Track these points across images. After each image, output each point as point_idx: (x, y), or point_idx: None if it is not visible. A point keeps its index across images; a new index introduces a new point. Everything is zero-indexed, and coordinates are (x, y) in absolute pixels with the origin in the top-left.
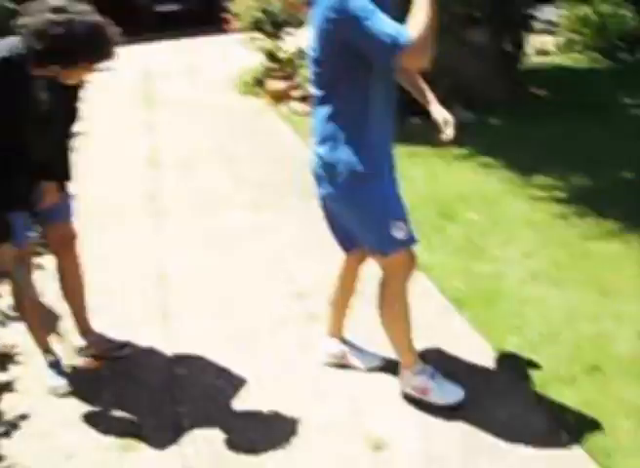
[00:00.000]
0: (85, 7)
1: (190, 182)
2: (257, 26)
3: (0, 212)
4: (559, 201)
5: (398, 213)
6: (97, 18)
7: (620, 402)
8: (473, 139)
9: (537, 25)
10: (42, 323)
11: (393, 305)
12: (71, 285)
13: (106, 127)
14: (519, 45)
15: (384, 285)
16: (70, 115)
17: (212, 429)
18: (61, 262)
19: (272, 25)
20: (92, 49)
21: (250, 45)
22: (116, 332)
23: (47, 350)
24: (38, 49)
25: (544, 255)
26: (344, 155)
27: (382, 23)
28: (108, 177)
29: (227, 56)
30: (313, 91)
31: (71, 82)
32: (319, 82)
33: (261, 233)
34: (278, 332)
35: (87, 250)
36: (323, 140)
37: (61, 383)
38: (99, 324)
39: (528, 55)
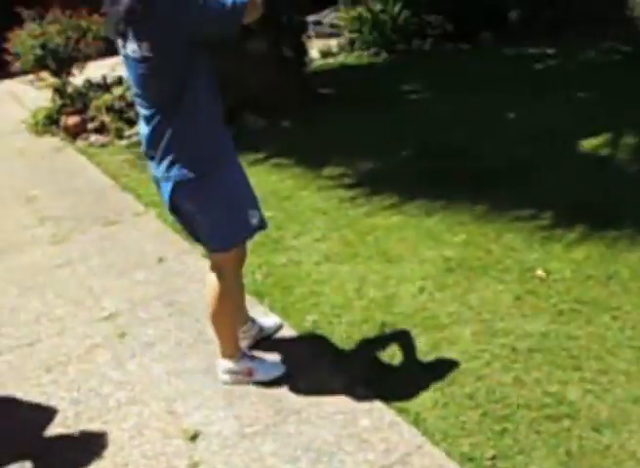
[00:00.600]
0: None
1: None
2: (40, 65)
3: None
4: (347, 187)
5: (251, 199)
6: None
7: (411, 349)
8: (267, 144)
9: (322, 29)
10: None
11: (227, 298)
12: None
13: None
14: (300, 50)
15: (220, 278)
16: None
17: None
18: None
19: (56, 62)
20: None
21: (37, 84)
22: None
23: None
24: None
25: (335, 238)
26: (191, 150)
27: (218, 4)
28: None
29: (16, 97)
30: (142, 110)
31: None
32: (150, 98)
33: (65, 265)
34: (90, 354)
35: None
36: (167, 146)
37: None
38: None
39: (313, 58)
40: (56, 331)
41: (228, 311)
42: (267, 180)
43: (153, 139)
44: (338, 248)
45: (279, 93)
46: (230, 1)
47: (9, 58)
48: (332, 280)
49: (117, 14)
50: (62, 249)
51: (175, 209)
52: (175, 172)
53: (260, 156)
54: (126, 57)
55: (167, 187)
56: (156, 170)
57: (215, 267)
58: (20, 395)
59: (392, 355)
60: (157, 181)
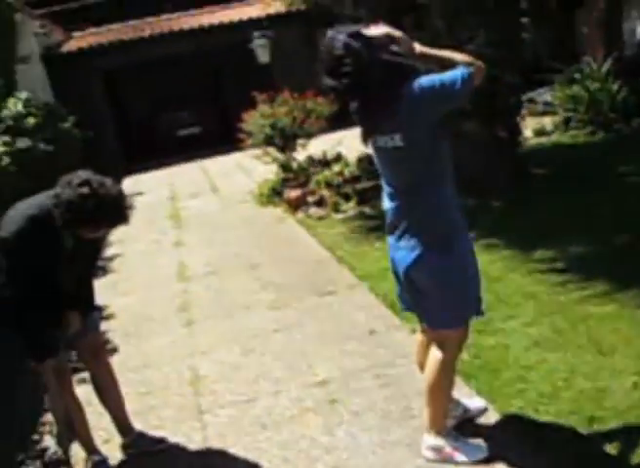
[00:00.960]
0: (108, 180)
1: (217, 290)
2: (268, 141)
3: (40, 335)
4: (558, 271)
5: (478, 279)
6: (117, 189)
7: (625, 447)
8: (477, 224)
9: (536, 108)
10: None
11: (446, 373)
12: (106, 390)
13: (138, 247)
14: (514, 130)
15: (443, 352)
16: (92, 256)
17: None
18: (94, 371)
19: (282, 139)
20: (113, 217)
21: (264, 159)
22: (156, 430)
23: (91, 451)
24: (67, 218)
25: (545, 323)
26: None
27: (448, 75)
28: (143, 293)
29: (246, 170)
30: (389, 188)
31: (92, 237)
32: (396, 178)
33: (283, 330)
34: (303, 417)
35: (127, 357)
36: (408, 222)
37: None
38: (141, 424)
39: (526, 137)
40: (272, 392)
41: (445, 385)
42: (478, 261)
43: (396, 215)
44: (547, 334)
45: (492, 172)
46: (458, 74)
47: (242, 135)
48: (540, 367)
49: (372, 115)
50: (281, 314)
51: (408, 281)
52: (414, 246)
53: (471, 235)
54: (377, 149)
55: (405, 260)
56: (396, 243)
57: (438, 342)
58: (237, 448)
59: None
60: (394, 253)
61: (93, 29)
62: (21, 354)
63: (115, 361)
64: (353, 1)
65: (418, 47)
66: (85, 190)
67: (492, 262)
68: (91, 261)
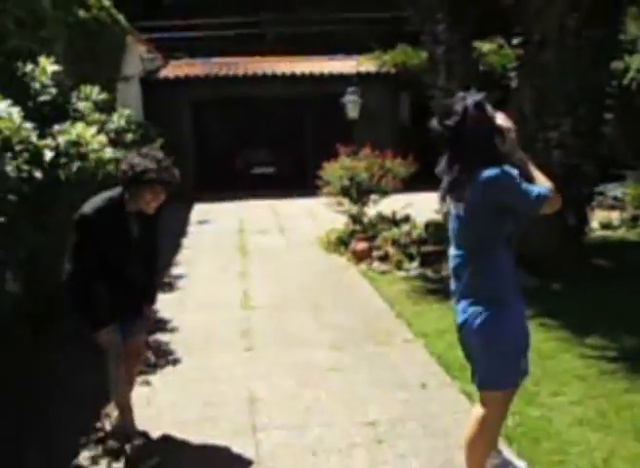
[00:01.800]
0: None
1: (279, 322)
2: (344, 192)
3: (97, 305)
4: (609, 359)
5: (526, 345)
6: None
7: None
8: (536, 303)
9: (605, 201)
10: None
11: (487, 430)
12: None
13: (205, 270)
14: (583, 219)
15: (487, 411)
16: (152, 240)
17: None
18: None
19: (357, 193)
20: (166, 175)
21: (336, 208)
22: (211, 440)
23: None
24: (133, 175)
25: (591, 405)
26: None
27: (531, 186)
28: (207, 314)
29: (314, 216)
30: (452, 250)
31: (150, 210)
32: (458, 242)
33: (339, 369)
34: (351, 451)
35: (188, 369)
36: (467, 283)
37: None
38: (197, 433)
39: (593, 228)
40: (324, 423)
41: (485, 441)
42: (532, 337)
43: (456, 276)
44: (591, 415)
45: (556, 256)
46: (538, 191)
47: (320, 182)
48: (580, 444)
49: (446, 182)
50: (338, 355)
51: (462, 339)
52: (471, 306)
53: (528, 313)
54: (448, 211)
55: (461, 318)
56: (456, 301)
57: (483, 401)
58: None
59: None
60: (455, 310)
61: (189, 60)
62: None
63: (177, 370)
64: (447, 74)
65: (520, 153)
66: (144, 152)
67: (546, 340)
68: (149, 246)
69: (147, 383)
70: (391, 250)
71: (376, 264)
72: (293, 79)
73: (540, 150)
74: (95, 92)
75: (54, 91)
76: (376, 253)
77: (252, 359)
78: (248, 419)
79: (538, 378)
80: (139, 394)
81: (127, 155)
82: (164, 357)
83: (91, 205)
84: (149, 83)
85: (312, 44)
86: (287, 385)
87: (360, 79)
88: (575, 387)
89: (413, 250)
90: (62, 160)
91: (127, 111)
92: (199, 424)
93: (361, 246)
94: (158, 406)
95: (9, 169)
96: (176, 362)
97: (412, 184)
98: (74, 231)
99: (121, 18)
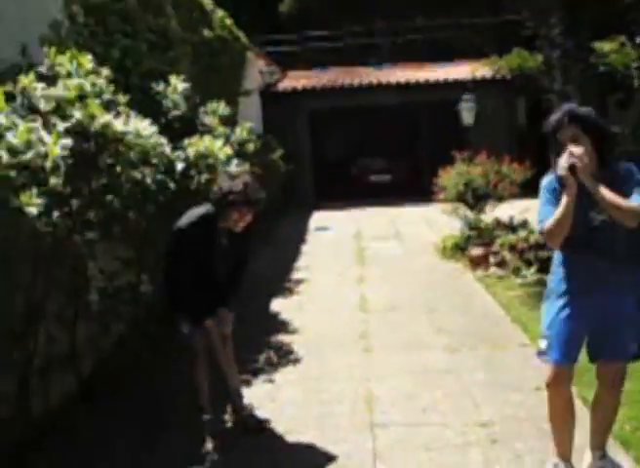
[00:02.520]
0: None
1: (395, 325)
2: (460, 198)
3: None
4: None
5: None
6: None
7: None
8: None
9: None
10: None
11: (620, 394)
12: (228, 364)
13: (324, 275)
14: None
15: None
16: (240, 254)
17: None
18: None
19: (473, 198)
20: (253, 200)
21: (452, 214)
22: (331, 433)
23: (204, 410)
24: (218, 196)
25: None
26: None
27: (540, 210)
28: (326, 317)
29: (430, 222)
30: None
31: (238, 229)
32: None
33: (454, 371)
34: (467, 451)
35: (308, 368)
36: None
37: (210, 448)
38: (317, 427)
39: None
40: (439, 422)
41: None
42: None
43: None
44: None
45: None
46: (540, 217)
47: (436, 189)
48: None
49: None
50: (453, 358)
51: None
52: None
53: None
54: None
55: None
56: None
57: (619, 376)
58: (402, 462)
59: None
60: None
61: (306, 72)
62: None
63: (297, 370)
64: (563, 78)
65: (602, 190)
66: (239, 181)
67: None
68: (237, 259)
69: (271, 381)
70: (508, 255)
71: (492, 270)
72: (407, 87)
73: None
74: (220, 107)
75: (183, 107)
76: (492, 259)
77: (369, 360)
78: (366, 417)
79: None
80: (262, 391)
81: (219, 178)
82: (285, 356)
83: (186, 219)
84: (268, 95)
85: (426, 51)
86: (404, 385)
87: (476, 85)
88: None
89: (530, 255)
90: (192, 171)
91: (248, 124)
92: (319, 420)
93: (477, 251)
94: (281, 402)
95: (148, 181)
96: (297, 361)
97: (529, 189)
98: (171, 241)
99: (241, 35)
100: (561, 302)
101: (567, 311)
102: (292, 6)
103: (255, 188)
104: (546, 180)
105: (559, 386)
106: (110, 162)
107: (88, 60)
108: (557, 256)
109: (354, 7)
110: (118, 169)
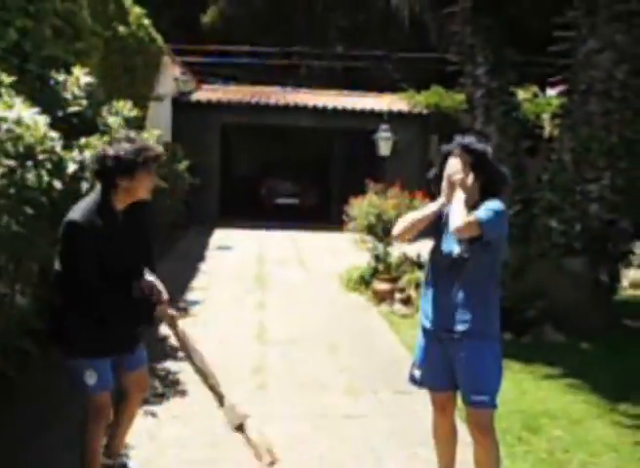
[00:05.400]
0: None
1: (294, 361)
2: (369, 230)
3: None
4: None
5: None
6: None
7: None
8: (563, 361)
9: (635, 260)
10: None
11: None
12: (128, 418)
13: (221, 299)
14: (615, 277)
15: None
16: (145, 241)
17: None
18: (130, 401)
19: (383, 231)
20: (145, 161)
21: (359, 245)
22: None
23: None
24: (110, 167)
25: None
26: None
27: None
28: (220, 345)
29: (337, 251)
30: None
31: (143, 195)
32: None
33: (354, 418)
34: None
35: (196, 406)
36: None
37: None
38: None
39: (623, 287)
40: None
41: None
42: (560, 399)
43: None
44: None
45: (585, 313)
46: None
47: (345, 217)
48: None
49: None
50: (354, 402)
51: None
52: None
53: (555, 372)
54: None
55: None
56: None
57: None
58: None
59: None
60: None
61: (222, 86)
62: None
63: (184, 403)
64: (484, 117)
65: (460, 193)
66: (119, 139)
67: (574, 402)
68: (147, 254)
69: (153, 415)
70: (414, 294)
71: (397, 306)
72: (324, 112)
73: (577, 202)
74: (126, 108)
75: (84, 102)
76: (398, 295)
77: (264, 398)
78: (254, 464)
79: (567, 445)
80: (143, 427)
81: (101, 149)
82: (172, 387)
83: (79, 210)
84: (181, 104)
85: (344, 79)
86: (299, 430)
87: (391, 117)
88: (606, 458)
89: None
90: (86, 174)
91: (156, 131)
92: (204, 465)
93: (383, 286)
94: (162, 441)
95: (29, 177)
96: (183, 393)
97: None
98: (63, 241)
99: (158, 37)
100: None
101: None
102: (215, 18)
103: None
104: None
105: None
106: None
107: None
108: None
109: (277, 27)
110: None
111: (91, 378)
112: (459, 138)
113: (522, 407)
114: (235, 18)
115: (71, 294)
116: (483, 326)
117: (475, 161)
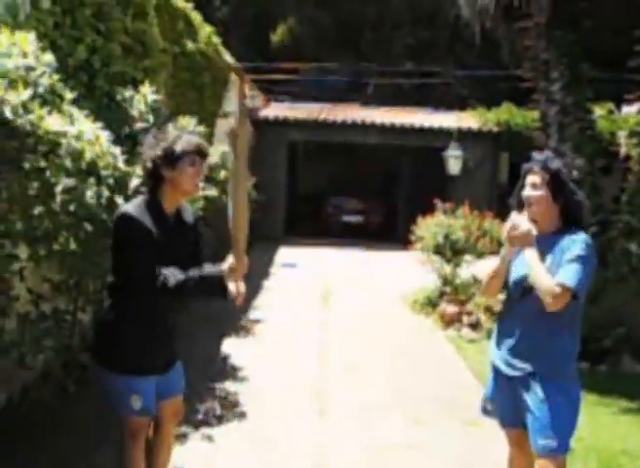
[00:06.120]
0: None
1: (355, 387)
2: (437, 250)
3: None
4: None
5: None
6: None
7: None
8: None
9: None
10: None
11: None
12: (162, 456)
13: (284, 317)
14: None
15: None
16: (192, 244)
17: None
18: (165, 429)
19: (452, 251)
20: (198, 147)
21: (427, 266)
22: None
23: None
24: (155, 156)
25: None
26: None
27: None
28: (281, 366)
29: (403, 271)
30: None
31: (197, 189)
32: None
33: (417, 449)
34: None
35: (255, 431)
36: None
37: None
38: None
39: None
40: None
41: None
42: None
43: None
44: None
45: None
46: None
47: (413, 237)
48: None
49: None
50: (417, 431)
51: None
52: None
53: (635, 406)
54: None
55: None
56: None
57: None
58: None
59: None
60: None
61: (290, 103)
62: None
63: (242, 427)
64: (559, 135)
65: (530, 252)
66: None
67: None
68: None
69: (210, 439)
70: (483, 317)
71: (465, 331)
72: (391, 129)
73: None
74: (191, 124)
75: (151, 119)
76: (466, 319)
77: (323, 424)
78: None
79: None
80: (198, 451)
81: (141, 147)
82: (230, 409)
83: (128, 206)
84: (248, 121)
85: (411, 97)
86: (358, 459)
87: (461, 135)
88: None
89: None
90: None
91: (223, 148)
92: None
93: (451, 309)
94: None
95: (88, 195)
96: (242, 416)
97: None
98: (116, 233)
99: (227, 54)
100: None
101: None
102: (284, 36)
103: (201, 143)
104: None
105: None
106: (42, 165)
107: (28, 41)
108: None
109: (344, 44)
110: (49, 175)
111: (136, 402)
112: (537, 156)
113: (599, 444)
114: (304, 36)
115: (122, 300)
116: (552, 364)
117: (554, 180)
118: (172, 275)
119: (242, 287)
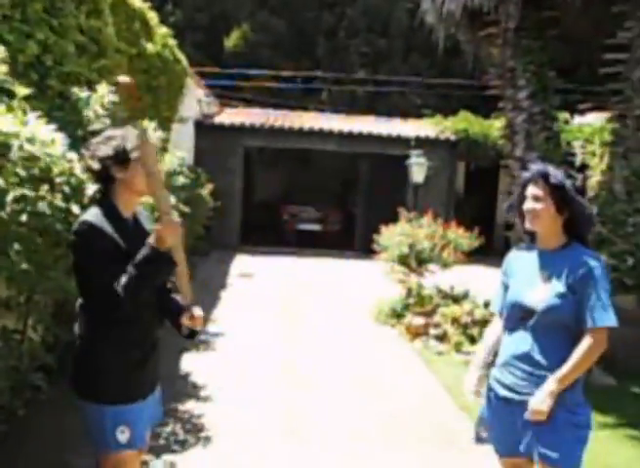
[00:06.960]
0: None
1: (323, 404)
2: (401, 260)
3: None
4: None
5: None
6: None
7: None
8: (616, 409)
9: None
10: None
11: None
12: None
13: (243, 330)
14: None
15: None
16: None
17: None
18: None
19: (417, 262)
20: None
21: (391, 276)
22: None
23: None
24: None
25: None
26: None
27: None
28: (245, 383)
29: (363, 280)
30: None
31: (141, 187)
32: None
33: None
34: None
35: (222, 458)
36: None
37: None
38: None
39: None
40: None
41: None
42: (621, 453)
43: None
44: None
45: (636, 354)
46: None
47: (377, 247)
48: None
49: None
50: (393, 453)
51: None
52: None
53: (609, 421)
54: None
55: None
56: None
57: None
58: None
59: None
60: None
61: (244, 109)
62: None
63: (207, 453)
64: (526, 144)
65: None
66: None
67: (637, 458)
68: None
69: (172, 466)
70: (451, 329)
71: (432, 343)
72: (349, 137)
73: (628, 235)
74: (150, 128)
75: (107, 121)
76: (433, 331)
77: (296, 450)
78: None
79: None
80: None
81: (86, 149)
82: (194, 433)
83: (86, 215)
84: (203, 127)
85: (366, 105)
86: None
87: (418, 142)
88: None
89: (475, 331)
90: None
91: (180, 153)
92: None
93: (418, 321)
94: None
95: (41, 205)
96: (207, 441)
97: (474, 258)
98: (76, 246)
99: (183, 58)
100: None
101: None
102: (238, 42)
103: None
104: (506, 258)
105: None
106: None
107: None
108: None
109: (299, 52)
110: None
111: (123, 435)
112: (535, 166)
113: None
114: (258, 42)
115: (98, 322)
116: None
117: (559, 192)
118: (118, 284)
119: (198, 311)
